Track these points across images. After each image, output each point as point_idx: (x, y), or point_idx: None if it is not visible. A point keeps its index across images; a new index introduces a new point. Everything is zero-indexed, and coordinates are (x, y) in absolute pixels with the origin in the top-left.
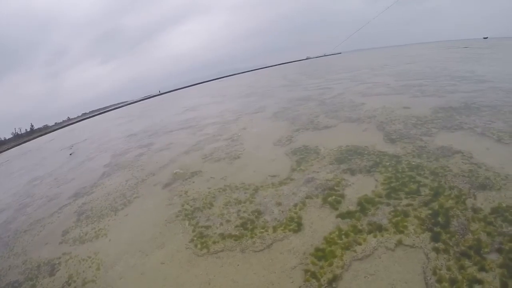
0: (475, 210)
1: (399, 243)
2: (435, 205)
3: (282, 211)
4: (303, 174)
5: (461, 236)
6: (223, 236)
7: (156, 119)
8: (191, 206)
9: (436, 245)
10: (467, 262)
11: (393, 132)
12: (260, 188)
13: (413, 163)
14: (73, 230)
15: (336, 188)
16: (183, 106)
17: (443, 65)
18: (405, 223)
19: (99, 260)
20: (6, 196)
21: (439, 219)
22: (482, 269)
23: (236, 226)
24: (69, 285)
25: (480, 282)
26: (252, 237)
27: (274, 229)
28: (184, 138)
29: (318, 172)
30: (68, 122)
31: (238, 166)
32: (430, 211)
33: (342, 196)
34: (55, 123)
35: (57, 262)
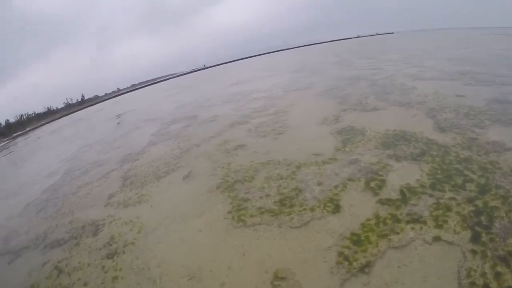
0: None
1: (438, 237)
2: (480, 203)
3: (323, 191)
4: (347, 155)
5: (502, 240)
6: (261, 210)
7: (203, 92)
8: (233, 178)
9: (475, 245)
10: (504, 269)
11: (444, 121)
12: (303, 165)
13: (462, 155)
14: (118, 194)
15: (379, 173)
16: (230, 80)
17: (504, 54)
18: (446, 218)
19: (140, 224)
20: (57, 161)
21: (482, 218)
22: None
23: (275, 201)
24: (111, 245)
25: None
26: (290, 214)
27: (313, 208)
28: (230, 111)
29: (362, 154)
30: (118, 93)
31: (282, 142)
32: (473, 209)
33: (385, 182)
34: (105, 93)
35: (101, 224)
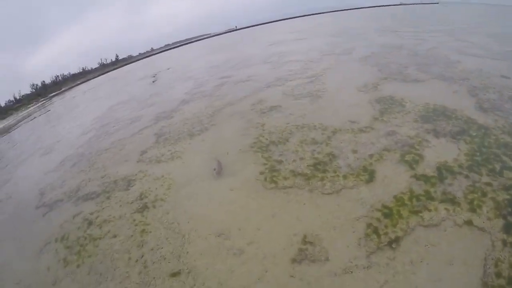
0: None
1: (469, 221)
2: None
3: (357, 159)
4: (384, 125)
5: None
6: (294, 173)
7: (237, 53)
8: (267, 139)
9: (506, 236)
10: None
11: (486, 101)
12: (338, 131)
13: (502, 140)
14: (151, 150)
15: (416, 147)
16: (265, 41)
17: None
18: (480, 203)
19: (171, 180)
20: (92, 117)
21: None
22: None
23: (309, 165)
24: (141, 199)
25: None
26: (322, 179)
27: (346, 175)
28: (265, 72)
29: (400, 126)
30: (152, 53)
31: (318, 106)
32: (508, 197)
33: (421, 157)
34: (139, 53)
35: (133, 179)
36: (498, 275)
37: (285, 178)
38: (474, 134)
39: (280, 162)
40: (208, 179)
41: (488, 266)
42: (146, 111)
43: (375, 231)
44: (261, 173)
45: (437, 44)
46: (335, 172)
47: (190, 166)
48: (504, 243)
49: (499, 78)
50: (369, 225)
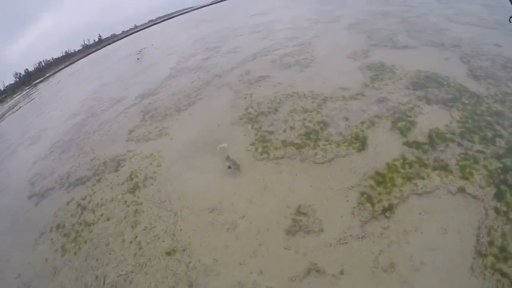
0: None
1: (462, 189)
2: (508, 162)
3: (348, 126)
4: (375, 92)
5: None
6: (285, 143)
7: (223, 24)
8: (256, 110)
9: (499, 204)
10: None
11: (478, 69)
12: (329, 99)
13: (494, 108)
14: (138, 128)
15: (408, 113)
16: (251, 10)
17: None
18: (473, 170)
19: (161, 158)
20: (78, 101)
21: (508, 177)
22: None
23: (300, 135)
24: (132, 179)
25: None
26: (314, 148)
27: (338, 144)
28: (252, 42)
29: (392, 93)
30: (135, 30)
31: (307, 74)
32: (501, 166)
33: (413, 123)
34: (122, 31)
35: (122, 159)
36: (491, 243)
37: (276, 149)
38: (467, 101)
39: (271, 132)
40: (198, 154)
41: (481, 235)
42: (132, 89)
43: (369, 199)
44: (252, 144)
45: (428, 11)
46: (326, 140)
47: (179, 142)
48: (497, 211)
49: (491, 46)
50: (362, 194)
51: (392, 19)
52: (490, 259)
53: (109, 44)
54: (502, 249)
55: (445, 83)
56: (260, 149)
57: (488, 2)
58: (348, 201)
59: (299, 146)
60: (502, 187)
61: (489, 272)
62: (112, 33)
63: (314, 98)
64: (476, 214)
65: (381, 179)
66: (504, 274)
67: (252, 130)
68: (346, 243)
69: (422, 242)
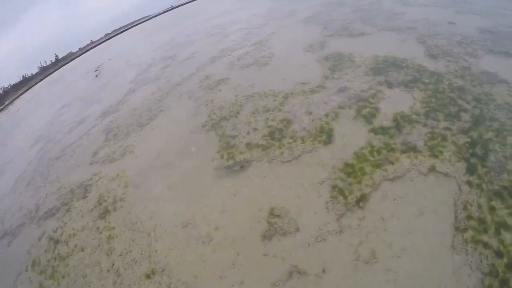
0: None
1: (433, 168)
2: (475, 135)
3: (312, 120)
4: (336, 82)
5: (496, 174)
6: (250, 146)
7: (179, 30)
8: (217, 116)
9: (471, 178)
10: (498, 204)
11: (435, 48)
12: (290, 95)
13: (455, 84)
14: (102, 149)
15: (371, 100)
16: (205, 15)
17: None
18: (441, 148)
19: (127, 178)
20: (39, 128)
21: (477, 150)
22: None
23: (264, 136)
24: (101, 204)
25: (508, 228)
26: (280, 148)
27: (303, 139)
28: (209, 46)
29: (352, 81)
30: (92, 45)
31: (266, 72)
32: (468, 140)
33: (377, 109)
34: (79, 48)
35: (89, 184)
36: (469, 217)
37: (241, 153)
38: (427, 81)
39: (234, 136)
40: (164, 168)
41: (458, 211)
42: (92, 109)
43: (341, 192)
44: (217, 151)
45: None
46: (291, 138)
47: (144, 158)
48: (470, 185)
49: (446, 25)
50: (334, 187)
51: (347, 8)
52: (470, 233)
53: (66, 63)
54: (481, 221)
55: (404, 65)
56: (225, 156)
57: None
58: (320, 196)
59: (265, 147)
60: (472, 160)
61: (471, 246)
62: (69, 52)
63: (275, 96)
64: (450, 192)
65: (351, 169)
66: (486, 245)
67: (216, 136)
68: (324, 240)
69: (400, 228)
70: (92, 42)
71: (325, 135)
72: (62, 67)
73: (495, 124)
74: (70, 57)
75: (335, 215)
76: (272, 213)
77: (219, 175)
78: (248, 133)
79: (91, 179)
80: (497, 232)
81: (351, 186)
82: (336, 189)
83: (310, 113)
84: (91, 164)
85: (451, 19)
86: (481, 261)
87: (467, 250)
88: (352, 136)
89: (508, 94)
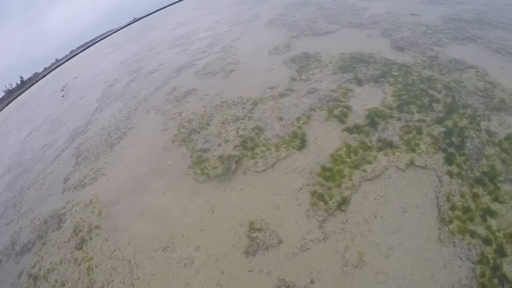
0: (490, 134)
1: (411, 163)
2: (449, 123)
3: (284, 126)
4: (304, 84)
5: (475, 161)
6: (222, 159)
7: (143, 42)
8: (187, 129)
9: (450, 168)
10: (481, 190)
11: (401, 40)
12: (259, 101)
13: (424, 75)
14: (73, 175)
15: (341, 99)
16: (169, 25)
17: None
18: (418, 141)
19: (101, 203)
20: (7, 156)
21: (453, 139)
22: (496, 199)
23: (236, 146)
24: (77, 234)
25: (493, 214)
26: (253, 157)
27: (277, 146)
28: (174, 56)
29: (320, 81)
30: (57, 64)
31: (233, 79)
32: (443, 129)
33: (349, 108)
34: (44, 68)
35: (62, 213)
36: (453, 208)
37: (215, 167)
38: (396, 74)
39: (206, 150)
40: (137, 190)
41: (441, 203)
42: (60, 131)
43: (321, 197)
44: (189, 167)
45: None
46: (264, 146)
47: (116, 181)
48: (450, 175)
49: (409, 17)
50: (313, 193)
51: (310, 8)
52: (455, 224)
53: (33, 84)
54: (465, 210)
55: (371, 60)
56: (199, 171)
57: None
58: (300, 204)
59: (238, 158)
60: (450, 150)
61: (458, 237)
62: (34, 72)
63: (244, 103)
64: (430, 184)
65: (329, 173)
66: (473, 234)
67: (187, 151)
68: (309, 248)
69: (384, 227)
70: (57, 60)
71: (299, 140)
72: (29, 89)
73: (468, 111)
74: (36, 78)
75: (317, 221)
76: (252, 227)
77: (194, 192)
78: (219, 145)
79: (64, 207)
80: (483, 219)
81: (330, 190)
82: (316, 195)
83: (281, 118)
84: (63, 192)
85: (413, 11)
86: (470, 250)
87: (455, 241)
88: (326, 138)
89: (477, 79)
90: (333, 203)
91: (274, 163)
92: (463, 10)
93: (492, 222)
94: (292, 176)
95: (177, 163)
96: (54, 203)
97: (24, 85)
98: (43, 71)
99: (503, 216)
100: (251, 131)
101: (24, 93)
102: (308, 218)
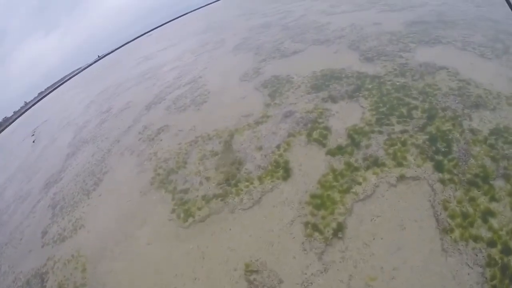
0: (474, 132)
1: (401, 176)
2: (432, 129)
3: (265, 156)
4: (279, 108)
5: (464, 163)
6: (206, 199)
7: (111, 80)
8: (165, 169)
9: (441, 175)
10: (476, 192)
11: (368, 50)
12: (235, 132)
13: (398, 83)
14: (51, 227)
15: (319, 120)
16: (135, 59)
17: None
18: (404, 153)
19: (84, 258)
20: None
21: (438, 145)
22: (492, 198)
23: (218, 184)
24: None
25: (492, 214)
26: (238, 194)
27: (260, 179)
28: (143, 92)
29: (295, 103)
30: (26, 107)
31: (206, 111)
32: (427, 136)
33: (328, 128)
34: (13, 112)
35: (44, 272)
36: (452, 216)
37: (199, 208)
38: (370, 86)
39: (187, 190)
40: (120, 241)
41: (438, 213)
42: (34, 180)
43: (315, 227)
44: (172, 211)
45: (304, 11)
46: (247, 180)
47: (97, 232)
48: (443, 182)
49: (372, 26)
50: (306, 224)
51: (274, 29)
52: (457, 232)
53: (3, 129)
54: (464, 215)
55: (343, 75)
56: (182, 215)
57: None
58: (294, 238)
59: (222, 196)
60: (437, 157)
61: (462, 244)
62: (4, 117)
63: (220, 136)
64: (424, 195)
65: (319, 201)
66: (476, 239)
67: (167, 194)
68: (311, 283)
69: (386, 248)
70: (26, 103)
71: (282, 169)
72: (0, 134)
73: (448, 113)
74: (6, 123)
75: (315, 254)
76: (249, 269)
77: (180, 238)
78: (201, 183)
79: (45, 264)
80: (484, 221)
81: (324, 219)
82: (309, 225)
83: (261, 147)
84: (42, 247)
85: (375, 20)
86: (476, 255)
87: (459, 249)
88: (310, 164)
89: (450, 79)
90: (328, 231)
91: (260, 198)
92: (423, 12)
93: (494, 222)
94: (281, 208)
95: (158, 208)
96: (34, 260)
97: None
98: (12, 115)
99: (502, 213)
100: (231, 165)
101: None
102: (305, 251)
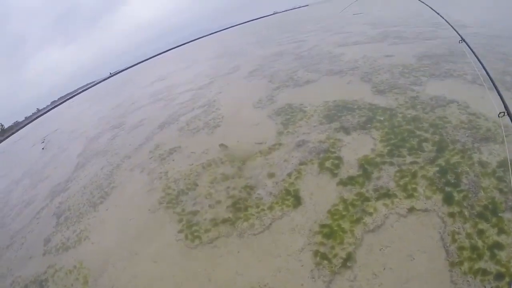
0: (483, 165)
1: (411, 208)
2: (442, 162)
3: (276, 183)
4: (292, 137)
5: (474, 195)
6: (215, 222)
7: (125, 96)
8: (174, 190)
9: (450, 207)
10: (485, 225)
11: (381, 83)
12: (248, 158)
13: (409, 115)
14: (54, 236)
15: (331, 150)
16: (150, 78)
17: (417, 10)
18: (414, 185)
19: (86, 270)
20: None
21: (448, 177)
22: (501, 231)
23: (228, 207)
24: None
25: (501, 247)
26: (248, 218)
27: (271, 206)
28: (156, 111)
29: (308, 133)
30: (38, 114)
31: (219, 135)
32: (437, 169)
33: (340, 159)
34: (25, 117)
35: (44, 278)
36: (461, 248)
37: (207, 231)
38: (382, 118)
39: (196, 212)
40: (126, 258)
41: (447, 244)
42: (40, 186)
43: (324, 256)
44: (180, 231)
45: (317, 41)
46: (258, 206)
47: (101, 245)
48: (452, 214)
49: (384, 58)
50: (315, 253)
51: (287, 58)
52: (466, 264)
53: (13, 133)
54: (473, 248)
55: (355, 107)
56: (190, 236)
57: (368, 20)
58: (303, 265)
59: (231, 221)
60: (447, 189)
61: (471, 277)
62: (15, 121)
63: (232, 161)
64: (434, 227)
65: (329, 230)
66: (485, 272)
67: (176, 214)
68: None
69: (395, 279)
70: (38, 110)
71: (293, 197)
72: (9, 138)
73: (458, 146)
74: (17, 127)
75: (324, 282)
76: None
77: (187, 259)
78: (210, 206)
79: (46, 272)
80: (493, 254)
81: (333, 248)
82: (319, 254)
83: (273, 175)
84: (44, 254)
85: (387, 52)
86: (485, 287)
87: (468, 281)
88: (321, 193)
89: (460, 112)
90: (337, 260)
91: (270, 224)
92: (434, 45)
93: (502, 254)
94: (291, 236)
95: (166, 227)
96: (34, 266)
97: (4, 133)
98: (23, 120)
99: (510, 245)
100: (242, 190)
101: (3, 142)
102: (314, 279)
